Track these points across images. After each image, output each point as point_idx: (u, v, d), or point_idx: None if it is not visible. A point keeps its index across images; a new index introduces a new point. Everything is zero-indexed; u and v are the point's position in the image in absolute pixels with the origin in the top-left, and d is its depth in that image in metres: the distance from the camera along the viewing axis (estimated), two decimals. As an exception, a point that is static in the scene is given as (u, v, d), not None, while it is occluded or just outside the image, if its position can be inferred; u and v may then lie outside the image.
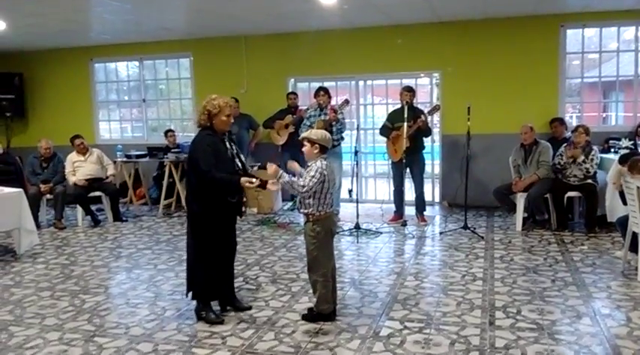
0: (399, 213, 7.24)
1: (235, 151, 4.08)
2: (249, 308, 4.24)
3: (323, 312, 3.92)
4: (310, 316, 3.98)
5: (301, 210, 3.91)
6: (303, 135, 3.93)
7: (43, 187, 7.52)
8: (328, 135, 3.92)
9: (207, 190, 3.91)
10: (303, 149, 3.89)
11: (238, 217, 4.21)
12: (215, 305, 4.14)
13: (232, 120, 4.08)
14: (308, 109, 7.94)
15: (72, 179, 7.65)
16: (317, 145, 3.81)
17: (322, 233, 3.85)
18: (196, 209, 4.02)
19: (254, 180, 3.88)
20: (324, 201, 3.81)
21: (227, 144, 4.04)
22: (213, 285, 4.07)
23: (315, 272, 3.92)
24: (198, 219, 4.01)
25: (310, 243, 3.90)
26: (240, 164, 4.08)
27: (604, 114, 8.59)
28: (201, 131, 4.02)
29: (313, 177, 3.73)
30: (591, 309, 4.09)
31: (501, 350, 3.42)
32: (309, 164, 3.85)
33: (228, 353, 3.49)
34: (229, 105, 4.00)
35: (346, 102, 7.28)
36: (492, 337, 3.62)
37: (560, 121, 7.48)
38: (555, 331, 3.71)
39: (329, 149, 3.92)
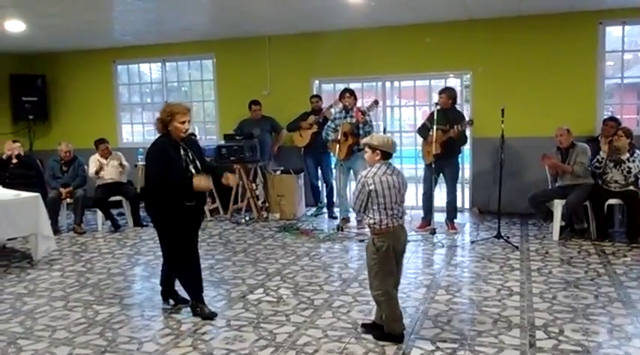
0: (427, 220, 6.92)
1: (191, 158, 4.12)
2: (188, 301, 4.31)
3: (393, 332, 3.59)
4: (380, 334, 3.65)
5: (365, 221, 3.66)
6: (364, 140, 3.70)
7: (63, 192, 7.39)
8: (391, 139, 3.64)
9: (161, 195, 4.02)
10: (365, 156, 3.67)
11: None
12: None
13: (188, 127, 4.11)
14: (331, 107, 7.71)
15: (94, 172, 7.54)
16: (378, 151, 3.55)
17: (383, 248, 3.52)
18: (155, 215, 4.21)
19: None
20: (387, 212, 3.50)
21: (182, 150, 4.07)
22: (198, 281, 4.26)
23: (375, 290, 3.60)
24: (159, 224, 4.19)
25: (370, 257, 3.60)
26: (194, 170, 4.10)
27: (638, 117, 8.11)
28: (157, 138, 4.11)
29: (356, 190, 3.57)
30: (641, 330, 3.75)
31: (544, 377, 3.11)
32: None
33: (245, 374, 3.25)
34: (183, 112, 4.01)
35: (375, 103, 7.00)
36: (534, 361, 3.31)
37: (617, 122, 6.73)
38: (603, 354, 3.38)
39: (391, 154, 3.62)
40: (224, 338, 3.76)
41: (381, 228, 3.53)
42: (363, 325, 3.82)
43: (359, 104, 7.40)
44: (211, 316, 4.12)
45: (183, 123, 4.01)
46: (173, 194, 4.00)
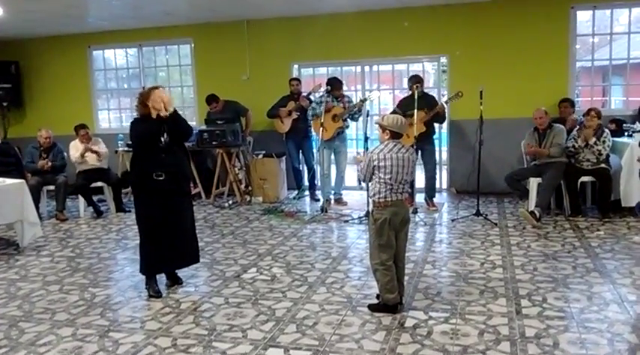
0: (409, 200, 7.12)
1: (166, 131, 4.31)
2: (181, 282, 4.57)
3: (387, 303, 3.76)
4: (375, 306, 3.84)
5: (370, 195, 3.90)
6: (376, 120, 3.89)
7: (44, 164, 7.35)
8: (402, 120, 3.78)
9: (135, 168, 4.37)
10: (378, 135, 3.86)
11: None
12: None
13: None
14: (310, 94, 7.80)
15: (79, 155, 7.52)
16: (388, 131, 3.73)
17: (380, 220, 3.70)
18: (131, 188, 4.64)
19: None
20: (387, 186, 3.68)
21: (156, 126, 4.28)
22: (153, 260, 4.37)
23: (373, 260, 3.81)
24: (134, 197, 4.49)
25: (370, 228, 3.83)
26: (163, 142, 4.30)
27: (604, 98, 8.43)
28: (135, 119, 4.47)
29: (363, 164, 3.80)
30: (617, 296, 3.99)
31: (532, 340, 3.31)
32: None
33: (250, 346, 3.36)
34: (159, 89, 4.31)
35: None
36: (521, 326, 3.51)
37: (571, 103, 7.31)
38: (585, 319, 3.60)
39: (401, 134, 3.78)
40: (225, 315, 3.87)
41: (379, 201, 3.72)
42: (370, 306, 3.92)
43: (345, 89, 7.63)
44: (156, 295, 4.29)
45: (159, 88, 4.32)
46: (143, 165, 4.29)
